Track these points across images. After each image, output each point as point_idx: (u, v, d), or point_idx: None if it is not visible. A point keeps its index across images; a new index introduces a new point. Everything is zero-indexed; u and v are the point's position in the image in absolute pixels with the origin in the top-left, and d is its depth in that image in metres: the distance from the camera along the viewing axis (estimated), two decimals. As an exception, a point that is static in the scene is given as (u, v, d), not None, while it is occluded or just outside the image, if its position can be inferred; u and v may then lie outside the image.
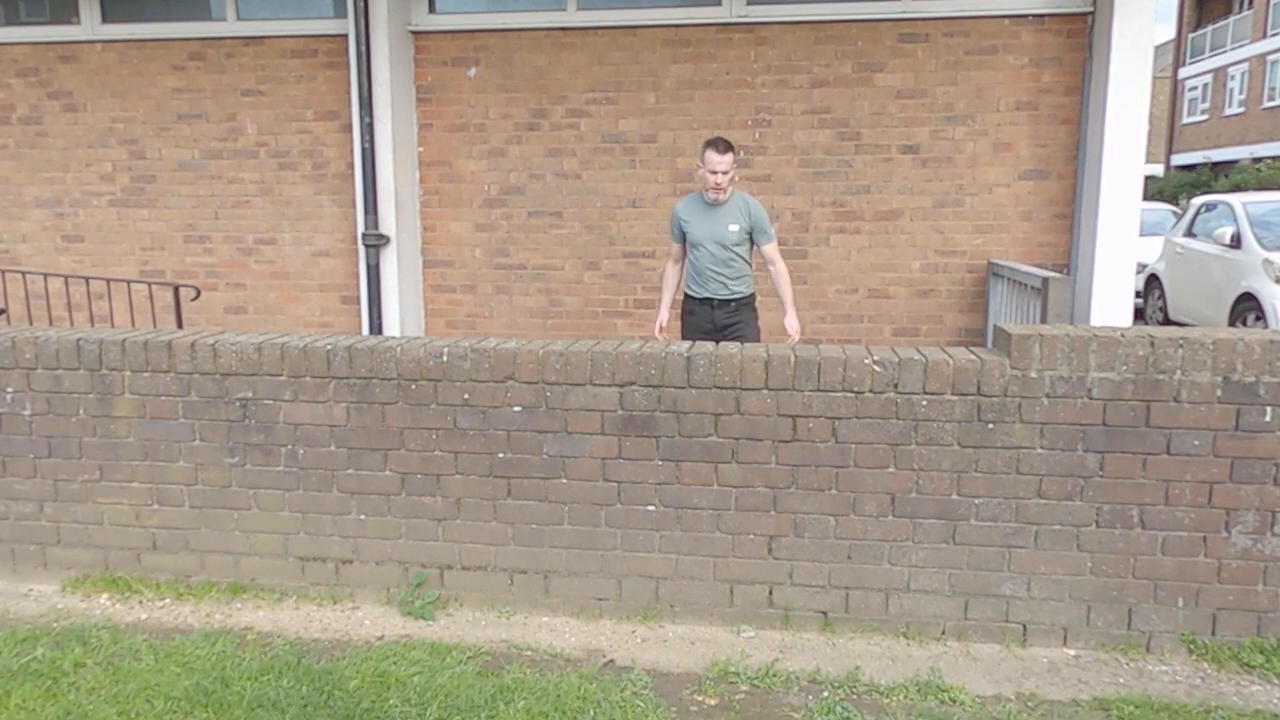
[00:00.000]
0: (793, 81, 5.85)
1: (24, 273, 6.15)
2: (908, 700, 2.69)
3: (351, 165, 6.16)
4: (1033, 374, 2.86)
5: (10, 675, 2.76)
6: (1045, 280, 4.42)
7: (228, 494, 3.31)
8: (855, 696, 2.71)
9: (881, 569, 3.02)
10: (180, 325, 5.75)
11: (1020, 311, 5.01)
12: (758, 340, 4.44)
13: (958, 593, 3.00)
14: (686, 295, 4.61)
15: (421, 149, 6.27)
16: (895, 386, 2.92)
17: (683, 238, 4.59)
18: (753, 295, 4.61)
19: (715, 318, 4.51)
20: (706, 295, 4.51)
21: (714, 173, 4.33)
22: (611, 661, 2.92)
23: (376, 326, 6.13)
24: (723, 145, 4.36)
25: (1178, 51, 30.99)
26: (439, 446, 3.17)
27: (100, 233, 6.58)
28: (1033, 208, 5.79)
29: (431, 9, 6.15)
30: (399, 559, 3.27)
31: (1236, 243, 9.12)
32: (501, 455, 3.15)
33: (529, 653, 2.96)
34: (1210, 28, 29.04)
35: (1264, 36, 25.75)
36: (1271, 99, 25.28)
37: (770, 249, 4.57)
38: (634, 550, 3.13)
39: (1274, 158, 22.87)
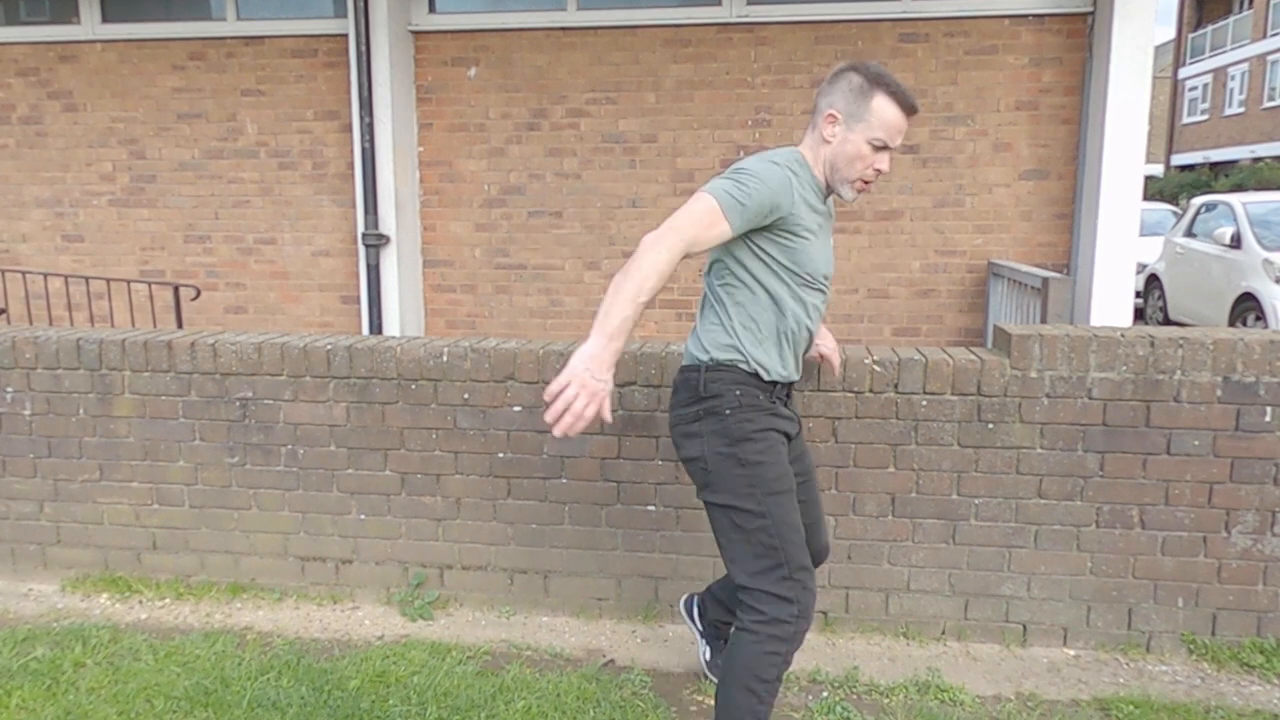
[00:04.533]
0: (793, 81, 5.85)
1: (24, 272, 6.15)
2: (907, 700, 2.68)
3: (351, 165, 6.16)
4: (1033, 374, 2.86)
5: (10, 675, 2.76)
6: (1045, 280, 4.42)
7: (228, 494, 3.31)
8: (855, 696, 2.71)
9: (881, 569, 3.02)
10: (180, 325, 5.75)
11: (1020, 311, 5.01)
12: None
13: (958, 593, 3.00)
14: (752, 377, 2.15)
15: (421, 149, 6.27)
16: (895, 386, 2.92)
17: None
18: None
19: (794, 415, 2.32)
20: (789, 377, 2.23)
21: (885, 148, 2.13)
22: (611, 661, 2.92)
23: (376, 326, 6.13)
24: (912, 105, 2.13)
25: (1178, 51, 31.00)
26: (439, 446, 3.17)
27: (100, 232, 6.59)
28: (1033, 208, 5.79)
29: (431, 9, 6.15)
30: (399, 559, 3.27)
31: (1236, 243, 9.13)
32: (501, 455, 3.15)
33: (529, 652, 2.96)
34: (1210, 28, 29.05)
35: (1264, 36, 25.75)
36: (1271, 99, 25.28)
37: None
38: (634, 550, 3.13)
39: (1275, 157, 22.87)
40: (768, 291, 2.11)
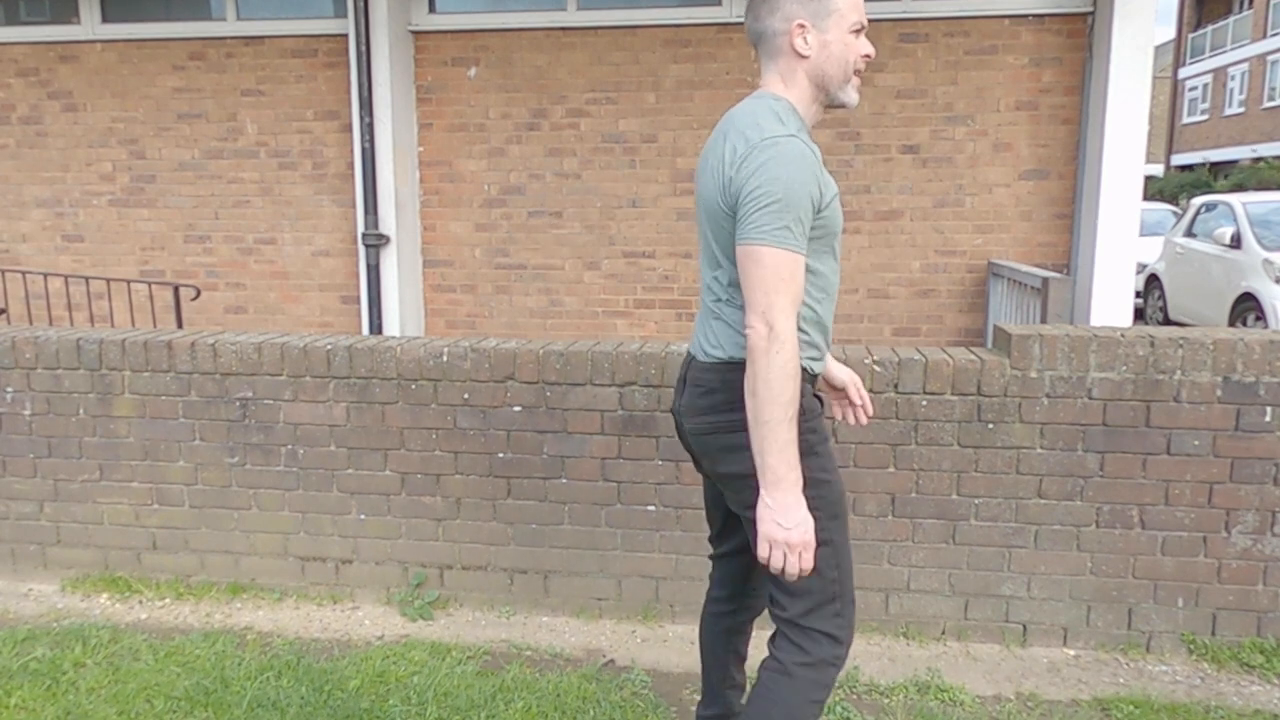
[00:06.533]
0: (793, 81, 5.84)
1: (24, 272, 6.15)
2: (908, 700, 2.68)
3: (351, 165, 6.16)
4: (1033, 374, 2.86)
5: (10, 675, 2.76)
6: (1045, 280, 4.42)
7: (228, 494, 3.31)
8: (855, 696, 2.71)
9: (881, 569, 3.02)
10: (180, 325, 5.75)
11: (1020, 311, 5.01)
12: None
13: (958, 593, 3.00)
14: (803, 373, 1.81)
15: (421, 149, 6.27)
16: (895, 386, 2.92)
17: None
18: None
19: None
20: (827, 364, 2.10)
21: (863, 28, 1.89)
22: (611, 661, 2.92)
23: (376, 326, 6.13)
24: None
25: (1178, 51, 31.00)
26: (439, 446, 3.17)
27: (100, 232, 6.58)
28: (1033, 208, 5.79)
29: (431, 9, 6.15)
30: (399, 559, 3.27)
31: (1236, 243, 9.13)
32: (501, 455, 3.15)
33: (529, 653, 2.96)
34: (1210, 28, 29.05)
35: (1264, 36, 25.76)
36: (1271, 99, 25.28)
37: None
38: (634, 550, 3.13)
39: (1275, 157, 22.88)
40: (809, 271, 1.82)
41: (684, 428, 1.96)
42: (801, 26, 1.83)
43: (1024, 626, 2.99)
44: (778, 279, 1.67)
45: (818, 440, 1.87)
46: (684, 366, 1.99)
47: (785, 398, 1.66)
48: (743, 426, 1.77)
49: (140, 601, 3.33)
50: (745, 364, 1.76)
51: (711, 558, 2.18)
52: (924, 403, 2.91)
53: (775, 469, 1.67)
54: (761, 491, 1.70)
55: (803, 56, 1.85)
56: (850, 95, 1.91)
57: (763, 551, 1.71)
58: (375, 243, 6.04)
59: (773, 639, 1.91)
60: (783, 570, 1.71)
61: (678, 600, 3.13)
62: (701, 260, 1.95)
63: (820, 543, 1.80)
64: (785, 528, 1.68)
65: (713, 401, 1.87)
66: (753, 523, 1.79)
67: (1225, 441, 2.83)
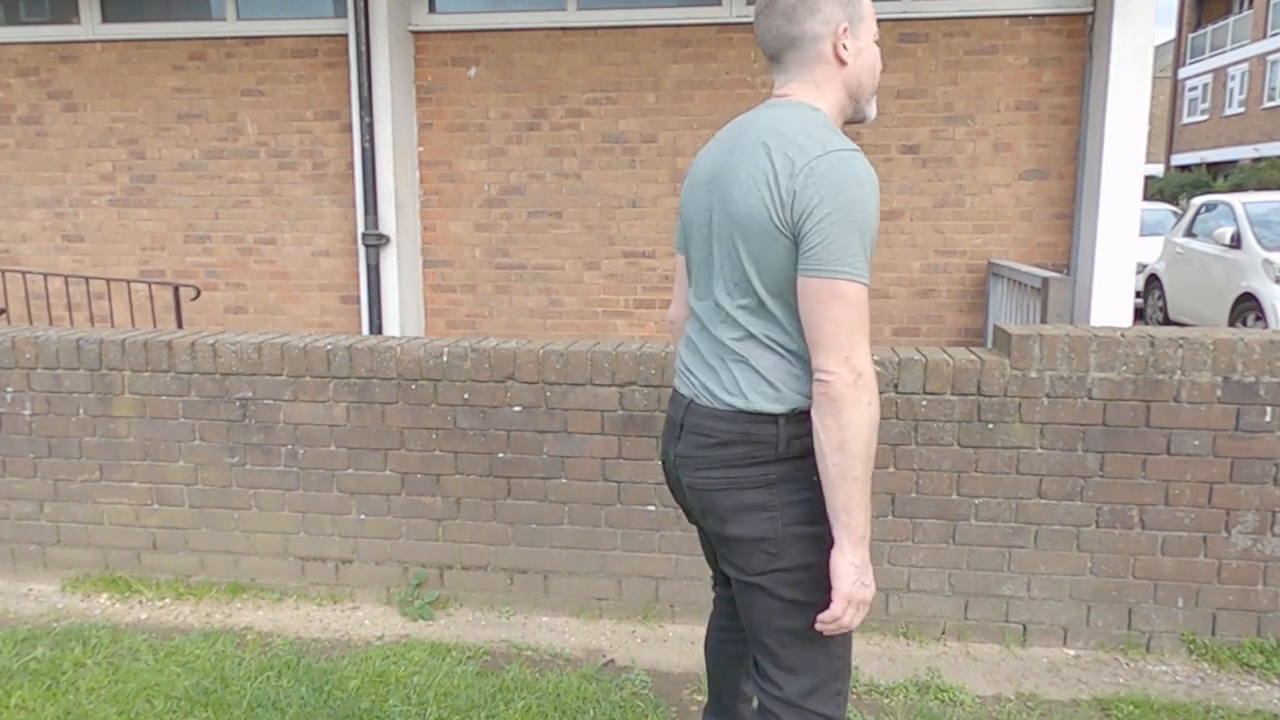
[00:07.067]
0: (793, 81, 5.84)
1: (24, 272, 6.15)
2: (908, 700, 2.69)
3: (351, 165, 6.16)
4: (1033, 374, 2.86)
5: (10, 675, 2.76)
6: (1045, 280, 4.42)
7: (228, 494, 3.31)
8: (855, 696, 2.71)
9: (881, 569, 3.02)
10: (180, 325, 5.75)
11: (1020, 311, 5.01)
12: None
13: (958, 593, 3.00)
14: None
15: (421, 149, 6.28)
16: (895, 386, 2.92)
17: None
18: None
19: None
20: None
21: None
22: (611, 661, 2.92)
23: (376, 326, 6.13)
24: None
25: (1178, 51, 31.01)
26: (439, 446, 3.17)
27: (100, 232, 6.59)
28: (1033, 208, 5.79)
29: (431, 9, 6.15)
30: (399, 559, 3.27)
31: (1236, 243, 9.13)
32: (501, 455, 3.15)
33: (529, 653, 2.96)
34: (1210, 28, 29.06)
35: (1264, 36, 25.76)
36: (1271, 99, 25.29)
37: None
38: (634, 550, 3.13)
39: (1276, 157, 22.89)
40: None
41: (680, 480, 1.74)
42: (845, 30, 1.66)
43: (1024, 626, 2.99)
44: (860, 318, 1.52)
45: None
46: (677, 409, 1.76)
47: (873, 450, 1.54)
48: (763, 484, 1.64)
49: (140, 601, 3.33)
50: (769, 416, 1.62)
51: (715, 591, 2.12)
52: (924, 403, 2.91)
53: (861, 526, 1.55)
54: (845, 551, 1.55)
55: (844, 64, 1.68)
56: (873, 109, 1.79)
57: (837, 610, 1.57)
58: (375, 243, 6.04)
59: (762, 718, 1.74)
60: (832, 622, 1.60)
61: (678, 600, 3.14)
62: (711, 287, 1.69)
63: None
64: (867, 585, 1.57)
65: (727, 455, 1.65)
66: (760, 589, 1.67)
67: (1225, 441, 2.83)
